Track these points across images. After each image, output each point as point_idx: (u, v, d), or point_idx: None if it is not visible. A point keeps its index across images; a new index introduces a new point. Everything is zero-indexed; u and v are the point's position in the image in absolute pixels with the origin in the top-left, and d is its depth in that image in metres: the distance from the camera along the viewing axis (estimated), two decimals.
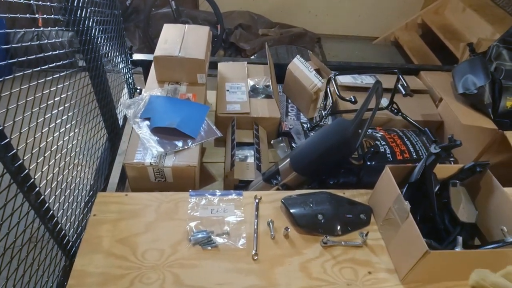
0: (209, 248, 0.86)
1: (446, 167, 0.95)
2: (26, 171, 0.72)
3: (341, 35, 3.33)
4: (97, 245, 0.84)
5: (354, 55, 3.15)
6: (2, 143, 0.64)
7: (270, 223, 0.92)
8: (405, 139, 1.28)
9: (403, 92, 1.24)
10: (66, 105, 0.91)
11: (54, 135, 0.86)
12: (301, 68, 1.53)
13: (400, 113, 1.41)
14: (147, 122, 1.23)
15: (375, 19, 3.24)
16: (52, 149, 0.85)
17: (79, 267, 0.80)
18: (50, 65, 0.84)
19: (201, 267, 0.82)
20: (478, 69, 1.31)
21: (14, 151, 0.68)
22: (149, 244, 0.85)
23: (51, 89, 0.82)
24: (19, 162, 0.70)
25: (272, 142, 1.47)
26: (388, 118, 1.48)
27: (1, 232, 0.66)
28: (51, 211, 0.83)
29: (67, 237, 0.91)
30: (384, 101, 1.46)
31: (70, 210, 0.95)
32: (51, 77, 0.83)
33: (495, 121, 1.31)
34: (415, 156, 1.20)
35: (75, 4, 0.98)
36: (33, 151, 0.76)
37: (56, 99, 0.85)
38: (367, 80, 1.60)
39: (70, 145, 0.96)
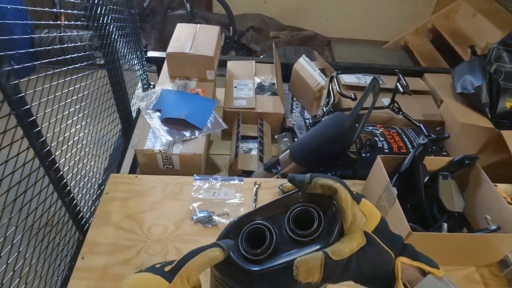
0: (210, 226, 0.93)
1: (437, 159, 1.00)
2: (48, 147, 0.81)
3: (351, 38, 3.38)
4: (108, 219, 0.92)
5: (364, 58, 3.19)
6: (29, 120, 0.73)
7: None
8: (404, 136, 1.33)
9: (401, 90, 1.29)
10: (85, 93, 1.00)
11: (72, 120, 0.95)
12: (306, 67, 1.60)
13: (401, 112, 1.46)
14: (158, 113, 1.31)
15: (385, 23, 3.28)
16: (71, 131, 0.94)
17: (91, 237, 0.88)
18: (72, 55, 0.94)
19: (201, 242, 0.87)
20: (476, 70, 1.35)
21: (39, 128, 0.77)
22: (155, 220, 0.93)
23: (72, 77, 0.91)
24: (42, 139, 0.79)
25: (276, 137, 1.54)
26: (389, 116, 1.53)
27: (24, 200, 0.75)
28: (68, 187, 0.91)
29: (82, 213, 0.99)
30: (386, 101, 1.51)
31: (85, 189, 1.04)
32: (72, 66, 0.92)
33: (493, 121, 1.34)
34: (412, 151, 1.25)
35: (95, 2, 1.08)
36: (55, 131, 0.84)
37: (76, 86, 0.94)
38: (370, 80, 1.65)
39: (87, 130, 1.05)
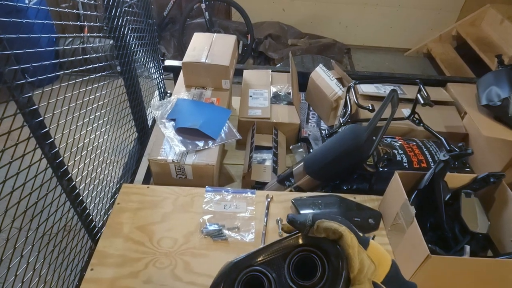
0: (219, 240, 0.91)
1: (459, 176, 0.95)
2: (61, 158, 0.82)
3: (372, 46, 3.32)
4: (118, 230, 0.92)
5: (384, 66, 3.13)
6: (42, 131, 0.74)
7: (279, 221, 0.96)
8: (424, 149, 1.27)
9: (422, 102, 1.24)
10: (100, 103, 1.01)
11: (88, 129, 0.96)
12: (323, 77, 1.57)
13: (421, 124, 1.40)
14: (172, 123, 1.32)
15: (407, 30, 3.20)
16: (85, 141, 0.95)
17: (101, 248, 0.88)
18: (92, 66, 0.95)
19: (210, 257, 0.87)
20: (503, 81, 1.28)
21: (52, 139, 0.77)
22: (164, 232, 0.92)
23: (87, 88, 0.92)
24: (55, 150, 0.79)
25: (291, 148, 1.51)
26: (409, 128, 1.47)
27: (36, 209, 0.75)
28: (81, 197, 0.92)
29: (94, 222, 1.00)
30: (407, 111, 1.46)
31: (98, 198, 1.05)
32: (87, 77, 0.93)
33: None
34: (432, 166, 1.19)
35: (112, 14, 1.09)
36: (68, 141, 0.85)
37: (91, 97, 0.95)
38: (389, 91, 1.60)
39: (101, 139, 1.06)
